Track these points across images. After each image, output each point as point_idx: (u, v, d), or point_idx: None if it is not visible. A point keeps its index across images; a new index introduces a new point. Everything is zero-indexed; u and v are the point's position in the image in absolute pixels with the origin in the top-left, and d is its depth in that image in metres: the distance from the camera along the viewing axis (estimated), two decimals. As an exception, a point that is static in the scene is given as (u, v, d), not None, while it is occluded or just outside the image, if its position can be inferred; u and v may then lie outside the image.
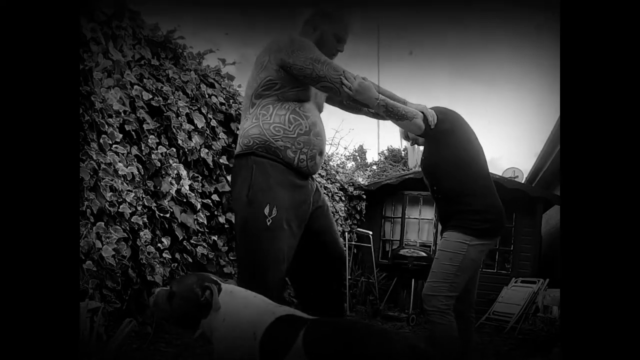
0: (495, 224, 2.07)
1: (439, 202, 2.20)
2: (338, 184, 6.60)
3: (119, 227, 2.52)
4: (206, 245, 3.26)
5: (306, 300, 2.14)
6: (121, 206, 2.55)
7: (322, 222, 2.11)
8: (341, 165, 12.09)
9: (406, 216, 7.46)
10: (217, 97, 3.59)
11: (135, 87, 2.82)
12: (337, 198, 6.40)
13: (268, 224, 1.82)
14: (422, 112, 2.06)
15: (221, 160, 3.54)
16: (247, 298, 1.53)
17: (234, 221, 1.99)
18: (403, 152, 22.85)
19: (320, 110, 2.13)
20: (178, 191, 3.06)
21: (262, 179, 1.86)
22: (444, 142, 2.10)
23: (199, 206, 3.25)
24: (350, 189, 6.94)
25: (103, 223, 2.42)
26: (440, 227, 2.31)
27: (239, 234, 1.89)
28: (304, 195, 2.00)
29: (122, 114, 2.69)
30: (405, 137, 2.35)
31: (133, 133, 2.77)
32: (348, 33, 2.07)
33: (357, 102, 1.98)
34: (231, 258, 3.56)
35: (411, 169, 9.95)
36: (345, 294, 2.32)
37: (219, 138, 3.58)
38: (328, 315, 1.94)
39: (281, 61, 1.87)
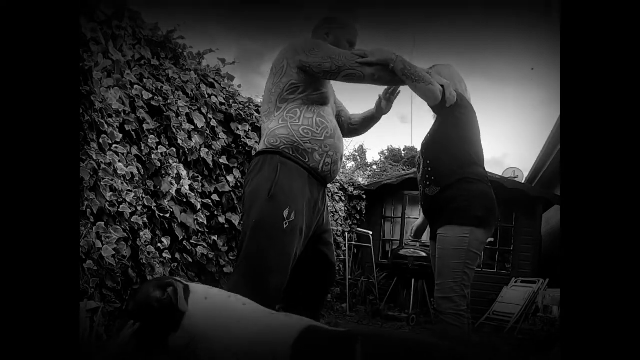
0: (489, 213, 2.01)
1: (429, 186, 2.09)
2: (338, 184, 6.60)
3: (119, 227, 2.52)
4: (206, 245, 3.26)
5: (289, 303, 2.14)
6: (121, 206, 2.55)
7: (326, 236, 2.17)
8: (341, 165, 12.09)
9: (406, 216, 7.46)
10: (217, 97, 3.59)
11: (135, 87, 2.82)
12: (337, 198, 6.40)
13: (285, 226, 1.80)
14: (443, 86, 2.02)
15: (221, 160, 3.54)
16: (229, 306, 1.17)
17: (242, 217, 1.98)
18: (404, 152, 22.84)
19: (334, 114, 2.20)
20: (178, 191, 3.06)
21: (287, 182, 1.86)
22: (451, 127, 2.08)
23: (199, 206, 3.25)
24: (350, 188, 6.94)
25: (103, 223, 2.42)
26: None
27: (250, 230, 1.82)
28: (317, 208, 2.04)
29: (122, 114, 2.69)
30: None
31: (133, 133, 2.77)
32: (357, 38, 2.14)
33: (378, 73, 1.92)
34: (231, 258, 3.55)
35: (412, 169, 9.93)
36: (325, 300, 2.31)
37: (219, 138, 3.58)
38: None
39: (300, 62, 1.91)
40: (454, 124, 2.08)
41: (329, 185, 6.19)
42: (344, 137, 2.29)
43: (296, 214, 1.84)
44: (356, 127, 2.43)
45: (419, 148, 2.30)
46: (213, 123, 3.52)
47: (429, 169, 2.11)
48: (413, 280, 5.80)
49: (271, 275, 1.79)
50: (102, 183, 2.41)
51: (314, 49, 1.91)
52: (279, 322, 1.15)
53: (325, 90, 2.01)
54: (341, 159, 2.08)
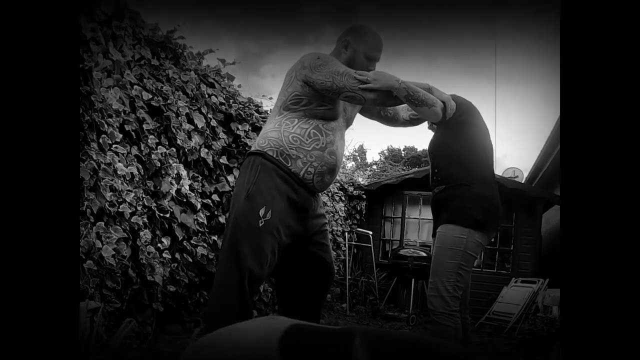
0: (490, 216, 2.01)
1: (435, 185, 2.15)
2: (338, 184, 6.60)
3: (119, 227, 2.52)
4: (206, 245, 3.26)
5: (286, 306, 2.18)
6: (121, 206, 2.55)
7: (318, 237, 2.16)
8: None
9: (406, 216, 7.45)
10: (217, 97, 3.59)
11: (135, 87, 2.82)
12: (337, 198, 6.40)
13: (260, 224, 1.87)
14: (444, 102, 2.05)
15: (221, 160, 3.54)
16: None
17: (227, 216, 2.06)
18: (403, 152, 22.87)
19: (348, 125, 2.20)
20: (178, 191, 3.06)
21: (265, 182, 1.92)
22: (455, 131, 2.10)
23: (199, 206, 3.25)
24: (350, 189, 6.94)
25: (103, 223, 2.42)
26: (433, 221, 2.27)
27: (230, 227, 1.92)
28: (306, 212, 2.05)
29: (122, 114, 2.69)
30: (430, 125, 2.34)
31: (133, 133, 2.77)
32: (380, 52, 2.12)
33: (380, 99, 1.96)
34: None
35: (412, 169, 9.92)
36: (323, 305, 2.33)
37: (219, 138, 3.58)
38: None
39: (305, 77, 1.95)
40: (459, 129, 2.10)
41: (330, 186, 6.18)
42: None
43: (272, 214, 1.89)
44: (387, 117, 2.41)
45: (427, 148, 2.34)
46: (213, 123, 3.52)
47: (436, 171, 2.16)
48: (413, 280, 5.79)
49: (246, 269, 1.86)
50: (102, 183, 2.41)
51: (320, 66, 1.94)
52: (257, 324, 1.14)
53: (332, 107, 2.01)
54: (330, 172, 2.06)
